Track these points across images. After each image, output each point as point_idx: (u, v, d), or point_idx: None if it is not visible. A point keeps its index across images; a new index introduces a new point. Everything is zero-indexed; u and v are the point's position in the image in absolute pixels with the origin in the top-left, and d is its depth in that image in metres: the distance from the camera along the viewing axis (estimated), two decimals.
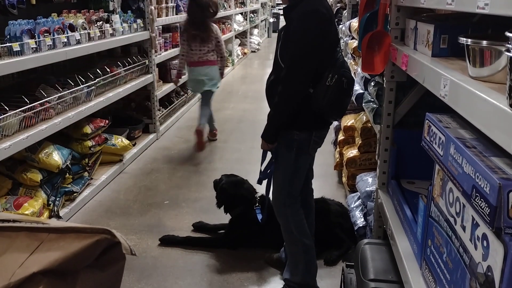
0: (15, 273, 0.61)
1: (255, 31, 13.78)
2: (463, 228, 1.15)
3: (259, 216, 2.81)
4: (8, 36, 2.84)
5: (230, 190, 2.98)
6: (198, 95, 5.52)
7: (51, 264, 0.63)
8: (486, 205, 0.99)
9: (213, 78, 4.78)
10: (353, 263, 2.20)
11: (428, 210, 1.45)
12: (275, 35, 16.44)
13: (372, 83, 2.70)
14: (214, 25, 4.81)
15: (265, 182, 2.53)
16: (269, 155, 2.42)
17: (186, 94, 6.55)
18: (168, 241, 3.04)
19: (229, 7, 9.96)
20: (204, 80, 4.74)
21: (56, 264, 0.64)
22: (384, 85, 2.17)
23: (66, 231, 0.67)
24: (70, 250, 0.65)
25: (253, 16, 13.28)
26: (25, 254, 0.64)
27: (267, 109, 2.31)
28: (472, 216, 1.09)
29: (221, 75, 4.93)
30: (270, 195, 2.55)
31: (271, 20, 17.30)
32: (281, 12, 17.53)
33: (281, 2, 2.40)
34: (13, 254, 0.64)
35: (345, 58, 2.38)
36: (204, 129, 4.70)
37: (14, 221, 0.67)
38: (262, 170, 2.49)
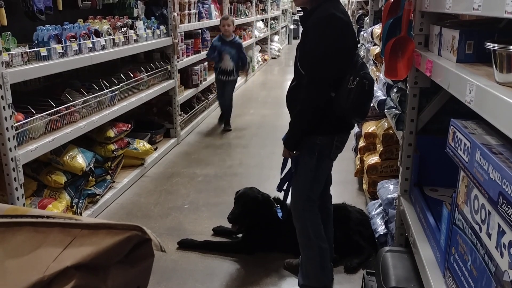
0: (50, 266, 0.64)
1: (276, 37, 13.84)
2: (489, 235, 1.13)
3: (280, 215, 2.83)
4: (36, 41, 2.92)
5: (248, 219, 2.97)
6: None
7: (84, 259, 0.65)
8: None
9: None
10: (374, 271, 2.18)
11: (452, 217, 1.43)
12: (295, 41, 16.50)
13: (395, 89, 2.69)
14: None
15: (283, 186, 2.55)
16: (289, 163, 2.43)
17: (206, 100, 6.61)
18: (186, 245, 3.06)
19: (250, 14, 10.02)
20: None
21: (88, 259, 0.66)
22: (407, 91, 2.16)
23: (98, 227, 0.69)
24: (102, 246, 0.67)
25: (273, 22, 13.33)
26: (58, 249, 0.66)
27: (286, 114, 2.32)
28: (498, 223, 1.08)
29: None
30: (288, 200, 2.56)
31: (292, 26, 17.35)
32: None
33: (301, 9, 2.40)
34: (47, 249, 0.67)
35: (367, 65, 2.38)
36: None
37: (47, 217, 0.70)
38: (282, 179, 2.50)
